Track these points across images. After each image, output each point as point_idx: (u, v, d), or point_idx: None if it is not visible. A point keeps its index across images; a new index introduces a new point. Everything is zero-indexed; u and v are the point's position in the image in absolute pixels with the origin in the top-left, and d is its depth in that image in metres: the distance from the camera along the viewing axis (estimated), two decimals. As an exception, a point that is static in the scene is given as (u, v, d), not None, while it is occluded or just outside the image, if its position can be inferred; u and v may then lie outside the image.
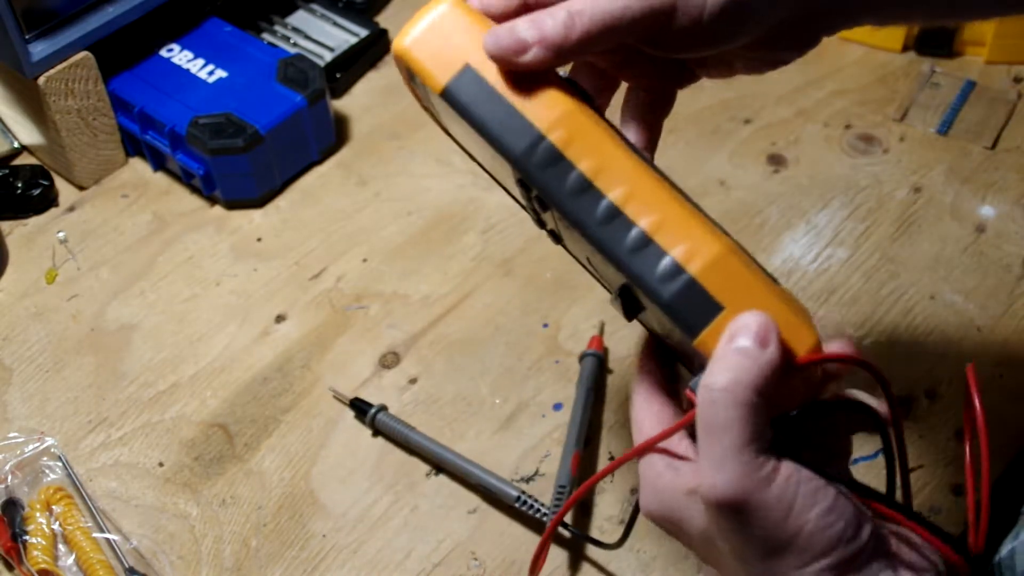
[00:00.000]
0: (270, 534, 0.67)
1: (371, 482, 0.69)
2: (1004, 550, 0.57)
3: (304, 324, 0.77)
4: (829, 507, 0.41)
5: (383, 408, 0.71)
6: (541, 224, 0.50)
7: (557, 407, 0.72)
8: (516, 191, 0.49)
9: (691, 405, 0.42)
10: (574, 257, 0.52)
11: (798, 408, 0.42)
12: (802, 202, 0.84)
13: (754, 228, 0.82)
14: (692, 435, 0.45)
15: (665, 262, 0.42)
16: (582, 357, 0.73)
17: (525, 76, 0.44)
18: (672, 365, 0.49)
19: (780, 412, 0.42)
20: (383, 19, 0.98)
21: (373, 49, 0.95)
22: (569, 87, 0.45)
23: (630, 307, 0.45)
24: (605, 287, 0.51)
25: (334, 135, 0.88)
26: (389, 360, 0.75)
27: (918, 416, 0.71)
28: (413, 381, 0.74)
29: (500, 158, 0.45)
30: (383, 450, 0.71)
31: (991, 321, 0.76)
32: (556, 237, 0.50)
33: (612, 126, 0.46)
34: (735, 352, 0.41)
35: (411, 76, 0.48)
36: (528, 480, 0.69)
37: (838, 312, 0.77)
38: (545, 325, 0.77)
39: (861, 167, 0.86)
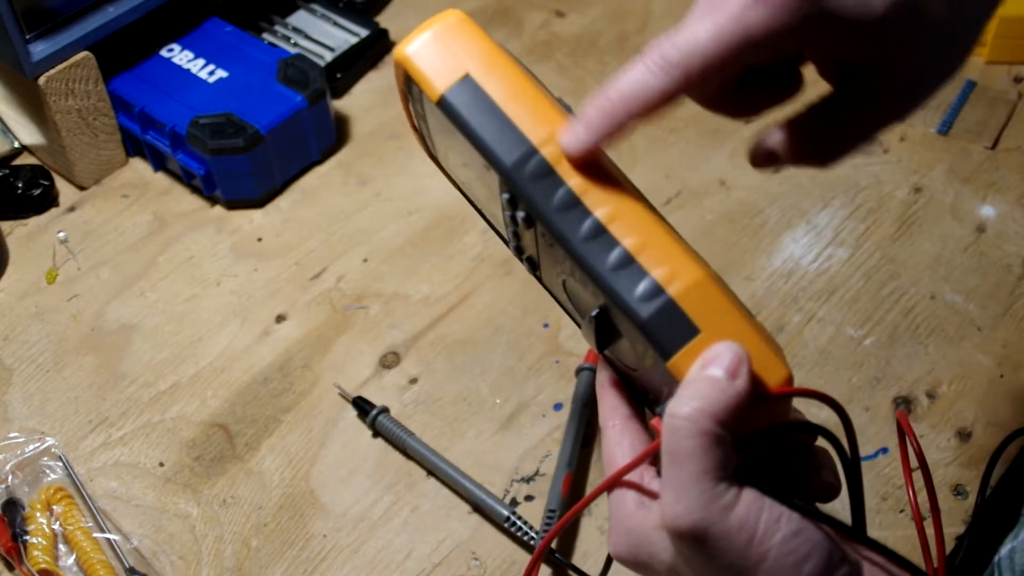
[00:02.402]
0: (271, 534, 0.67)
1: (371, 482, 0.69)
2: (1004, 549, 0.57)
3: (304, 324, 0.77)
4: (793, 532, 0.40)
5: (384, 410, 0.71)
6: (519, 252, 0.51)
7: (557, 407, 0.72)
8: (498, 213, 0.49)
9: (658, 435, 0.42)
10: (547, 289, 0.53)
11: (754, 432, 0.43)
12: (802, 202, 0.84)
13: (754, 228, 0.82)
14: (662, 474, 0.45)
15: (645, 282, 0.42)
16: (578, 371, 0.72)
17: (524, 94, 0.45)
18: (638, 402, 0.49)
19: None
20: (383, 19, 0.98)
21: (373, 49, 0.95)
22: (565, 110, 0.46)
23: (604, 333, 0.46)
24: (575, 320, 0.51)
25: (334, 135, 0.88)
26: (389, 360, 0.75)
27: (918, 416, 0.71)
28: (413, 381, 0.74)
29: (487, 174, 0.46)
30: (383, 450, 0.71)
31: (991, 321, 0.76)
32: (533, 264, 0.51)
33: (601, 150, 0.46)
34: (704, 380, 0.40)
35: (408, 86, 0.48)
36: (528, 480, 0.69)
37: (839, 313, 0.77)
38: (546, 325, 0.77)
39: (861, 167, 0.86)
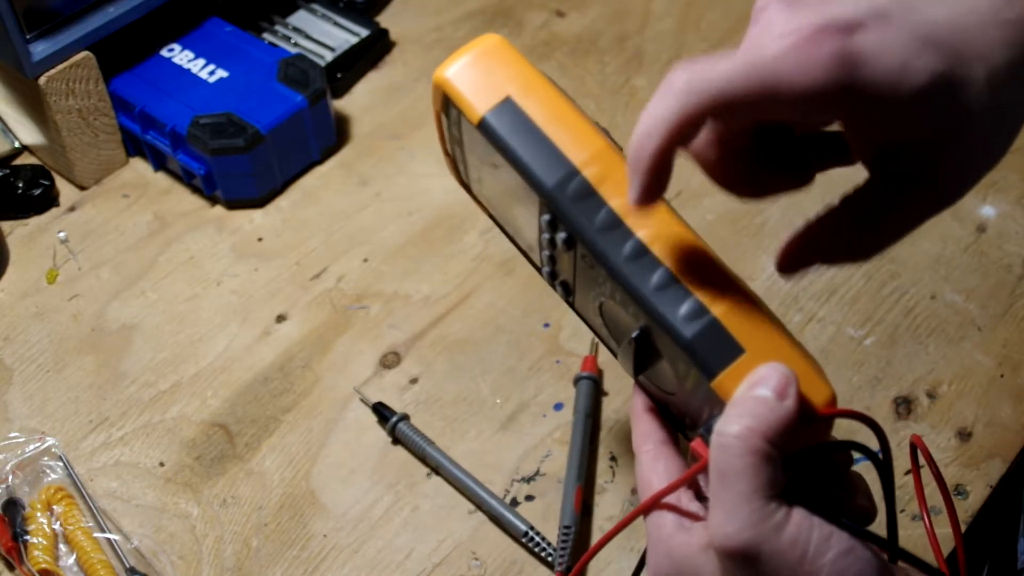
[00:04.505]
0: (271, 534, 0.67)
1: (372, 482, 0.69)
2: None
3: (305, 324, 0.77)
4: (845, 551, 0.40)
5: (405, 417, 0.71)
6: (553, 276, 0.51)
7: (558, 407, 0.72)
8: (532, 238, 0.49)
9: (695, 459, 0.42)
10: (579, 315, 0.53)
11: (800, 450, 0.42)
12: (803, 202, 0.83)
13: (755, 228, 0.82)
14: (699, 496, 0.45)
15: (689, 302, 0.43)
16: (576, 380, 0.72)
17: (564, 117, 0.45)
18: (673, 428, 0.49)
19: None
20: (384, 19, 0.98)
21: (374, 49, 0.95)
22: (605, 134, 0.46)
23: (642, 355, 0.46)
24: (608, 345, 0.51)
25: (335, 135, 0.88)
26: (390, 360, 0.75)
27: (919, 416, 0.71)
28: (414, 381, 0.74)
29: (526, 197, 0.46)
30: (384, 450, 0.71)
31: (991, 321, 0.76)
32: (567, 289, 0.51)
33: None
34: (752, 400, 0.40)
35: (445, 109, 0.48)
36: (529, 480, 0.69)
37: (840, 313, 0.77)
38: (546, 325, 0.77)
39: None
